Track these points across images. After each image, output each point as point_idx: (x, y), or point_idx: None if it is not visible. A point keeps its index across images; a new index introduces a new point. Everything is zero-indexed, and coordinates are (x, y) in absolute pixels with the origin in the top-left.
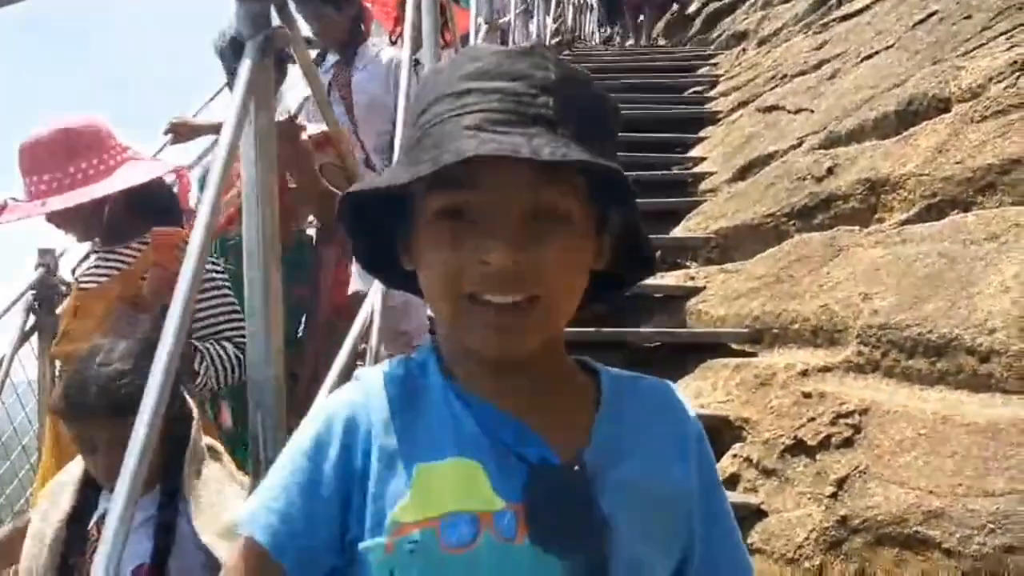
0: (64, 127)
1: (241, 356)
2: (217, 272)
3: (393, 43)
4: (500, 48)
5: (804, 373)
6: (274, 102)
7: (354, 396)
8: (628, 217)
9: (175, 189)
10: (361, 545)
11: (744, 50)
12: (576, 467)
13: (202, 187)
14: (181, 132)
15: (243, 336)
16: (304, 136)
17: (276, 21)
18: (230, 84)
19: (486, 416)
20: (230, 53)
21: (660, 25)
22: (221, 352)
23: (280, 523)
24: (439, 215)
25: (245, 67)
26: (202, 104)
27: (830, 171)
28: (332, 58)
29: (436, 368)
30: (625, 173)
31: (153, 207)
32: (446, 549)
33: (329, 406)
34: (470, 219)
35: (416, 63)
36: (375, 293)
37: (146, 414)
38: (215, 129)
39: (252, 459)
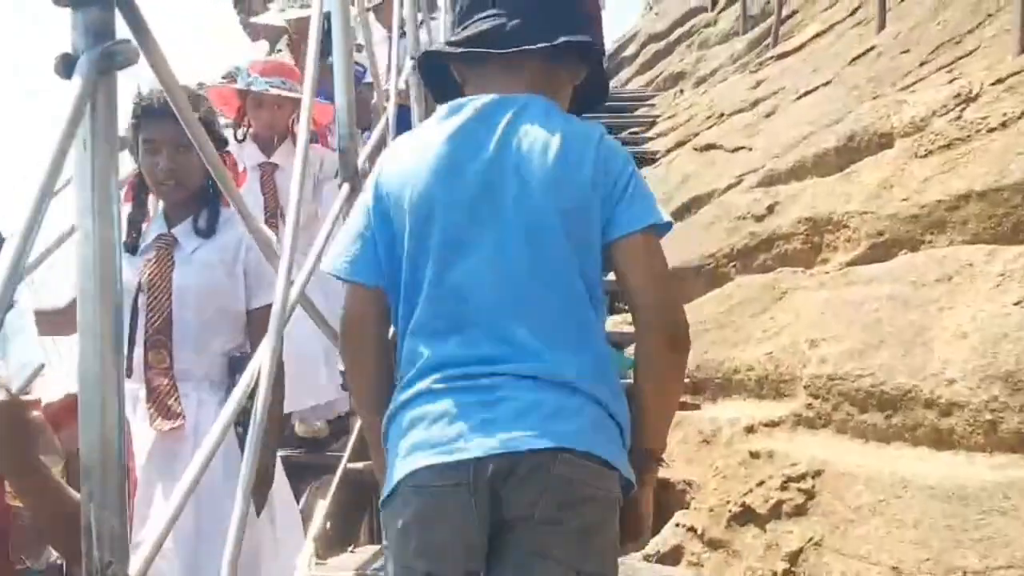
0: None
1: None
2: None
3: (241, 140)
4: None
5: (750, 429)
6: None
7: None
8: None
9: None
10: None
11: (681, 91)
12: None
13: None
14: None
15: None
16: (35, 412)
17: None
18: None
19: None
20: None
21: None
22: None
23: None
24: None
25: (75, 85)
26: None
27: (770, 209)
28: (151, 233)
29: None
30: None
31: None
32: None
33: None
34: None
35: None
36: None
37: None
38: None
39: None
